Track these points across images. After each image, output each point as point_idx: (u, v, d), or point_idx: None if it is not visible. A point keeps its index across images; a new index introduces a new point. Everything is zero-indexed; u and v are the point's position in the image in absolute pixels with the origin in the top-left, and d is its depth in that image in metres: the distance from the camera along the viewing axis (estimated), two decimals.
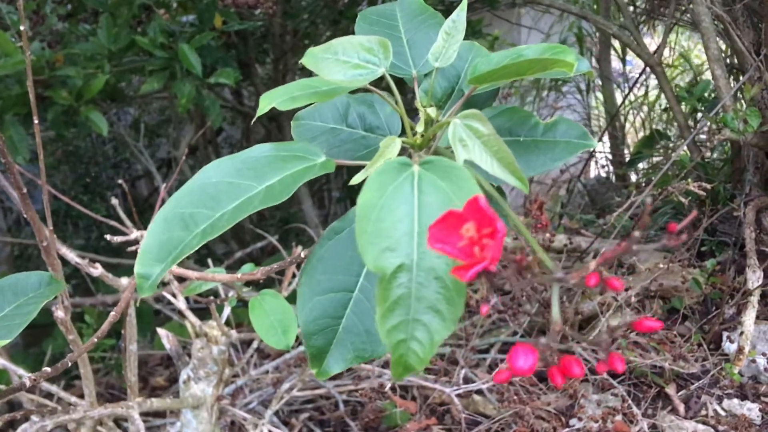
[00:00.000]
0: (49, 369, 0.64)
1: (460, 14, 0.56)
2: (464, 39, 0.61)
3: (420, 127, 0.51)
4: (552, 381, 0.38)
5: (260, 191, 0.47)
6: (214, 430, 1.33)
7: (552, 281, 0.38)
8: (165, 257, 0.46)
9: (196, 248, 0.45)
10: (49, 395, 1.56)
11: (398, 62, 0.58)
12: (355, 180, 0.45)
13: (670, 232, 0.36)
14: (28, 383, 0.61)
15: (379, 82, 0.56)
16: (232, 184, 0.48)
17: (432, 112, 0.52)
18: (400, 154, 0.48)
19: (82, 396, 1.20)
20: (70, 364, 0.68)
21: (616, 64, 3.09)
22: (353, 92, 0.57)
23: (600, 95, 3.09)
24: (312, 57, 0.52)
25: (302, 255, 0.70)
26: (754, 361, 1.49)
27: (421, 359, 0.42)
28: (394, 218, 0.42)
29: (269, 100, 0.52)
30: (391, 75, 0.55)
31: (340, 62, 0.52)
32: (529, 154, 0.52)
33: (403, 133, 0.56)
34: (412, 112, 0.56)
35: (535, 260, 0.38)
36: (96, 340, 0.72)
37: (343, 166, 0.52)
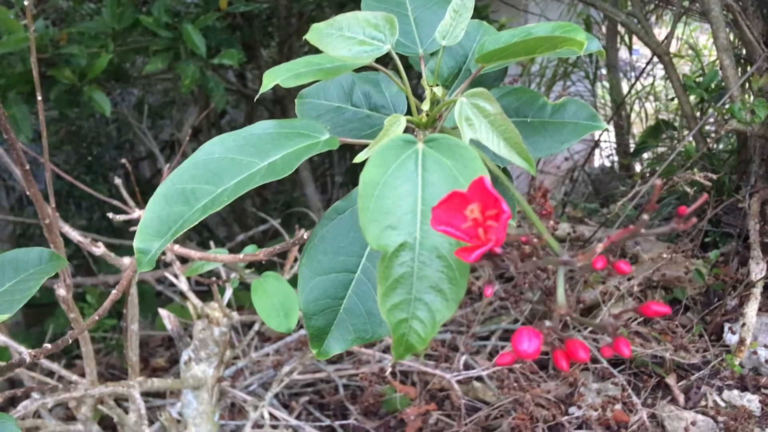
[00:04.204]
0: (49, 345, 0.63)
1: None
2: (479, 21, 0.60)
3: (426, 106, 0.50)
4: (557, 365, 0.38)
5: (262, 168, 0.47)
6: (214, 410, 1.33)
7: (558, 264, 0.38)
8: (165, 232, 0.45)
9: (196, 223, 0.45)
10: (50, 374, 1.56)
11: (405, 40, 0.57)
12: (359, 158, 0.45)
13: (680, 215, 0.35)
14: (27, 359, 0.61)
15: (386, 63, 0.55)
16: (234, 161, 0.47)
17: (438, 91, 0.52)
18: (405, 134, 0.47)
19: (83, 375, 1.20)
20: (70, 341, 0.68)
21: (622, 53, 3.06)
22: (358, 71, 0.56)
23: (606, 84, 3.07)
24: (316, 33, 0.51)
25: (305, 237, 0.70)
26: (755, 352, 1.49)
27: (423, 339, 0.41)
28: (397, 196, 0.41)
29: (273, 77, 0.51)
30: (397, 54, 0.54)
31: (345, 38, 0.51)
32: (537, 135, 0.51)
33: (408, 113, 0.55)
34: (417, 96, 0.55)
35: (540, 242, 0.37)
36: (97, 318, 0.72)
37: (347, 152, 0.51)
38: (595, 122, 0.50)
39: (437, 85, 0.53)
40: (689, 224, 0.35)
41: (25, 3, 0.88)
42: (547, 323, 0.38)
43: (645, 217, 0.37)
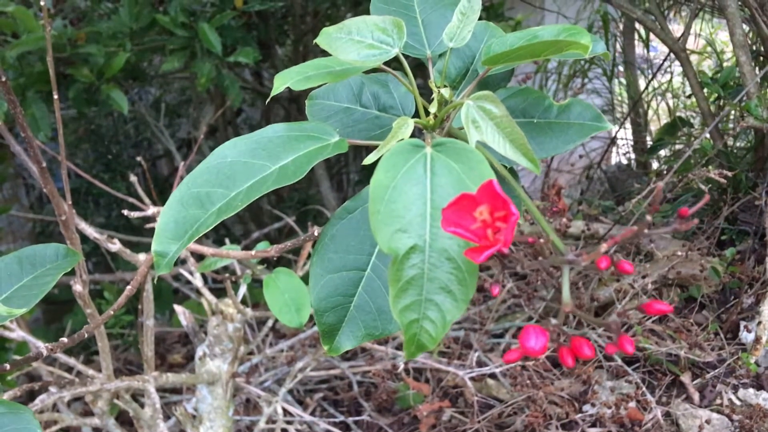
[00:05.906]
0: (65, 339, 0.65)
1: None
2: (486, 22, 0.61)
3: (433, 108, 0.51)
4: (562, 362, 0.38)
5: (274, 171, 0.48)
6: (228, 406, 1.35)
7: (563, 263, 0.38)
8: (182, 235, 0.47)
9: (212, 227, 0.46)
10: (69, 369, 1.59)
11: (413, 42, 0.58)
12: (368, 160, 0.46)
13: (681, 217, 0.35)
14: (44, 352, 0.62)
15: (396, 63, 0.56)
16: (246, 164, 0.48)
17: (446, 92, 0.52)
18: (413, 135, 0.48)
19: (100, 370, 1.22)
20: (86, 336, 0.69)
21: (640, 50, 3.04)
22: (368, 72, 0.57)
23: (623, 81, 3.05)
24: (326, 36, 0.52)
25: (316, 233, 0.71)
26: None
27: (434, 338, 0.42)
28: (406, 199, 0.42)
29: (284, 80, 0.52)
30: (406, 56, 0.55)
31: (354, 42, 0.52)
32: (543, 135, 0.52)
33: (416, 114, 0.56)
34: (427, 95, 0.56)
35: (546, 242, 0.38)
36: (112, 312, 0.73)
37: (363, 150, 0.52)
38: (600, 123, 0.51)
39: (445, 86, 0.53)
40: (690, 225, 0.35)
41: (42, 2, 0.90)
42: (553, 321, 0.39)
43: (648, 218, 0.37)
